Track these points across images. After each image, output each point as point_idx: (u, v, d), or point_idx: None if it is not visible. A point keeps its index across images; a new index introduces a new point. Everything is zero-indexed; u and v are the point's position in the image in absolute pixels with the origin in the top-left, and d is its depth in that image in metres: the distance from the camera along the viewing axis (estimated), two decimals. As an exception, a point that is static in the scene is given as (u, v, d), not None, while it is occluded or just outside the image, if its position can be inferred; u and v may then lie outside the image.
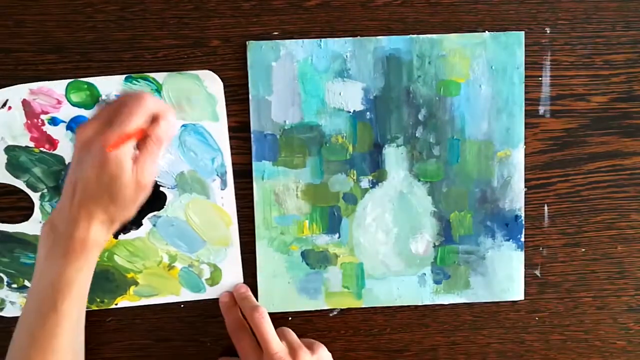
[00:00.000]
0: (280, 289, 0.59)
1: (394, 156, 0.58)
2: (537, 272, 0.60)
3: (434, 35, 0.57)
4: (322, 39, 0.57)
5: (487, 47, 0.57)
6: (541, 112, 0.59)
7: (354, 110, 0.58)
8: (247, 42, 0.56)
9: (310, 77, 0.57)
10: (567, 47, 0.58)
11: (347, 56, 0.57)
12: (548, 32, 0.58)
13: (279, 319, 0.60)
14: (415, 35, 0.57)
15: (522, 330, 0.61)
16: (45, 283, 0.48)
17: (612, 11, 0.58)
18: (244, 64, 0.57)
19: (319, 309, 0.60)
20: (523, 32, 0.57)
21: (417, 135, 0.58)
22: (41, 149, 0.57)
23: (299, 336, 0.57)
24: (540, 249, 0.60)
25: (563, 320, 0.61)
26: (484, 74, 0.58)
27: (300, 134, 0.58)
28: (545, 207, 0.60)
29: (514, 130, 0.58)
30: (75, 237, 0.47)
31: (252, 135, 0.57)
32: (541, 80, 0.58)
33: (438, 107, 0.58)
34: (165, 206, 0.58)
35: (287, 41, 0.56)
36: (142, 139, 0.48)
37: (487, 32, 0.57)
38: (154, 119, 0.48)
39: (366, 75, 0.57)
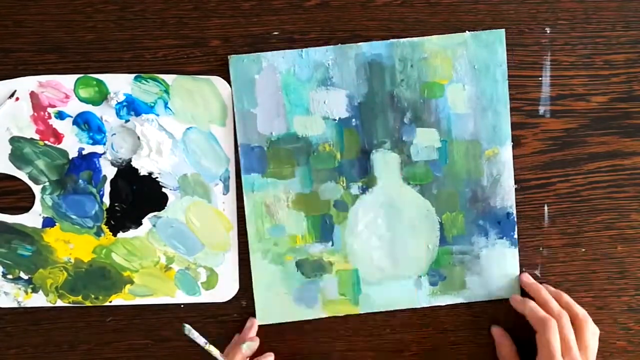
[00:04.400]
0: (277, 300, 0.59)
1: (382, 161, 0.58)
2: (537, 272, 0.60)
3: (415, 38, 0.57)
4: (304, 49, 0.56)
5: (468, 47, 0.57)
6: (541, 112, 0.59)
7: (340, 118, 0.58)
8: (228, 57, 0.56)
9: (293, 88, 0.57)
10: (567, 47, 0.58)
11: (329, 64, 0.57)
12: (548, 32, 0.58)
13: (276, 325, 0.60)
14: (395, 40, 0.57)
15: (522, 330, 0.61)
16: None
17: (612, 11, 0.58)
18: (244, 64, 0.57)
19: (316, 317, 0.60)
20: (504, 30, 0.57)
21: (403, 139, 0.58)
22: (46, 142, 0.57)
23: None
24: (540, 249, 0.60)
25: (563, 320, 0.61)
26: (466, 74, 0.57)
27: (287, 145, 0.58)
28: (545, 207, 0.60)
29: (500, 127, 0.58)
30: None
31: (239, 148, 0.57)
32: (541, 80, 0.58)
33: (423, 109, 0.58)
34: (166, 207, 0.58)
35: (269, 53, 0.56)
36: None
37: (467, 31, 0.57)
38: None
39: (349, 82, 0.57)
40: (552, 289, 0.59)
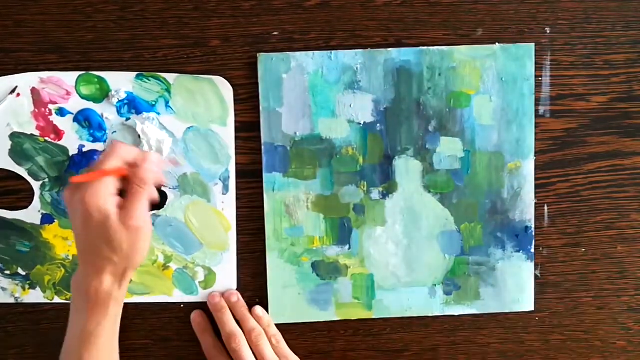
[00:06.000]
0: (291, 300, 0.59)
1: (404, 168, 0.58)
2: (537, 272, 0.60)
3: (445, 47, 0.57)
4: (333, 51, 0.57)
5: (497, 59, 0.57)
6: (541, 112, 0.59)
7: (365, 122, 0.58)
8: (257, 55, 0.56)
9: (320, 89, 0.57)
10: (567, 47, 0.58)
11: (357, 68, 0.57)
12: (548, 32, 0.58)
13: (284, 325, 0.60)
14: (425, 47, 0.57)
15: (522, 330, 0.61)
16: (71, 335, 0.51)
17: (612, 11, 0.58)
18: (243, 64, 0.57)
19: (329, 320, 0.60)
20: (533, 45, 0.57)
21: (427, 146, 0.58)
22: (46, 138, 0.57)
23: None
24: (540, 249, 0.60)
25: (563, 320, 0.61)
26: (494, 86, 0.57)
27: (310, 146, 0.58)
28: (545, 207, 0.60)
29: (524, 141, 0.58)
30: (89, 291, 0.49)
31: (262, 147, 0.58)
32: (541, 80, 0.58)
33: (448, 118, 0.58)
34: (165, 206, 0.58)
35: (298, 53, 0.56)
36: (127, 186, 0.49)
37: (497, 43, 0.57)
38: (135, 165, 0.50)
39: (377, 87, 0.57)
40: (233, 299, 0.59)
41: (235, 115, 0.57)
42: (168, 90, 0.57)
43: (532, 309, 0.60)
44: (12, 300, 0.59)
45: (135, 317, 0.60)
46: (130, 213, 0.48)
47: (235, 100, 0.57)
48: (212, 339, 0.58)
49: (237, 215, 0.58)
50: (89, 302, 0.49)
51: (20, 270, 0.59)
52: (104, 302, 0.49)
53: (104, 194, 0.48)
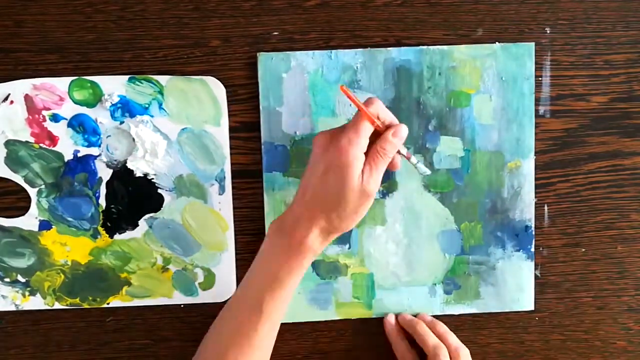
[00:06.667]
0: (291, 299, 0.59)
1: (405, 167, 0.58)
2: (537, 272, 0.60)
3: (444, 47, 0.57)
4: (333, 51, 0.57)
5: (497, 58, 0.57)
6: (541, 112, 0.59)
7: None
8: (257, 54, 0.56)
9: (320, 88, 0.57)
10: (567, 47, 0.58)
11: (357, 67, 0.57)
12: (548, 32, 0.58)
13: (284, 325, 0.60)
14: (425, 47, 0.57)
15: (522, 330, 0.61)
16: (254, 276, 0.51)
17: (612, 11, 0.58)
18: (243, 64, 0.57)
19: (329, 319, 0.60)
20: (533, 44, 0.57)
21: (427, 146, 0.58)
22: (41, 144, 0.57)
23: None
24: (540, 249, 0.60)
25: (563, 320, 0.61)
26: (494, 85, 0.57)
27: (311, 145, 0.57)
28: (545, 207, 0.60)
29: (524, 140, 0.58)
30: (294, 238, 0.49)
31: (262, 147, 0.58)
32: (541, 80, 0.58)
33: (448, 118, 0.58)
34: (162, 208, 0.58)
35: (298, 52, 0.56)
36: (370, 152, 0.50)
37: (497, 42, 0.57)
38: (386, 129, 0.50)
39: (377, 86, 0.57)
40: (428, 318, 0.59)
41: (236, 115, 0.57)
42: (161, 92, 0.57)
43: (532, 308, 0.60)
44: (12, 308, 0.59)
45: (135, 317, 0.60)
46: (370, 178, 0.49)
47: (235, 100, 0.57)
48: (407, 343, 0.58)
49: (237, 215, 0.58)
50: (289, 249, 0.49)
51: (19, 277, 0.59)
52: (304, 252, 0.49)
53: (361, 148, 0.48)
